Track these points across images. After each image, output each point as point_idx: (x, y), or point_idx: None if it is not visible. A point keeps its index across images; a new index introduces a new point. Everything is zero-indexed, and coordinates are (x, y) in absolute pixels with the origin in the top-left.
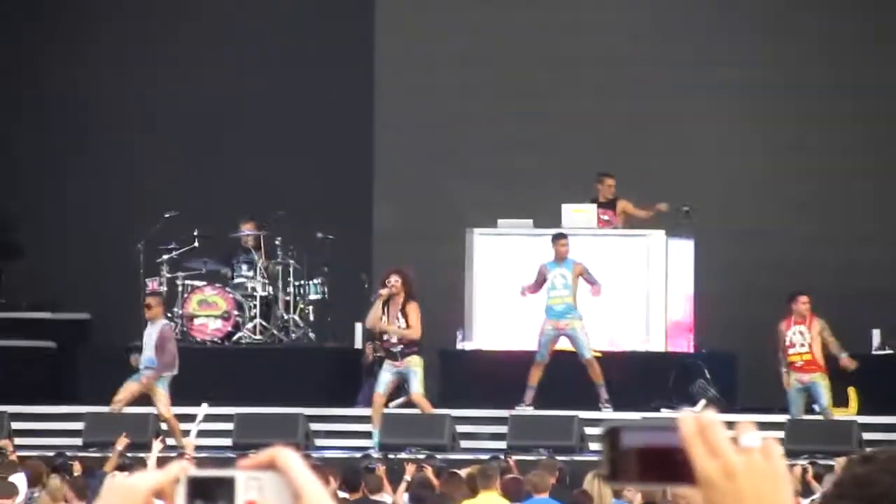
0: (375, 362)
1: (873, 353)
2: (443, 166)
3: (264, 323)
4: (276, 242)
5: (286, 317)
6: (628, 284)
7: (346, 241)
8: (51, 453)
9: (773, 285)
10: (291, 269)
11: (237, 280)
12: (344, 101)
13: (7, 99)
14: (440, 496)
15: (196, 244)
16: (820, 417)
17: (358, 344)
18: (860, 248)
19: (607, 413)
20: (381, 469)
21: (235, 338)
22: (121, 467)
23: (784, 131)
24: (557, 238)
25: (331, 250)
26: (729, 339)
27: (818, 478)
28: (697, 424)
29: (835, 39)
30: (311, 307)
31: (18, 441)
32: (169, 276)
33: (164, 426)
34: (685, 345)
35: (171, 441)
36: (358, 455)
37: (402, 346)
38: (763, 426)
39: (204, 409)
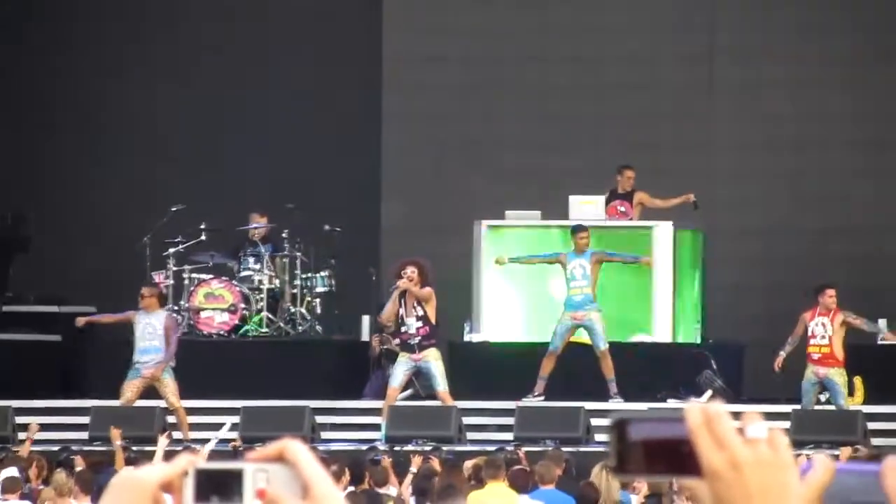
0: (382, 355)
1: (879, 342)
2: (450, 159)
3: (271, 316)
4: (283, 235)
5: (293, 310)
6: (636, 275)
7: (354, 233)
8: (56, 447)
9: (780, 278)
10: (299, 262)
11: (244, 273)
12: (352, 96)
13: (15, 93)
14: (445, 488)
15: (203, 238)
16: (825, 408)
17: (365, 337)
18: (867, 241)
19: (613, 404)
20: (386, 461)
21: (243, 330)
22: (129, 461)
23: (794, 125)
24: (577, 230)
25: (338, 243)
26: (736, 330)
27: None
28: (704, 416)
29: (845, 37)
30: (318, 300)
31: (23, 435)
32: (175, 269)
33: (171, 419)
34: (692, 335)
35: (177, 434)
36: (364, 448)
37: (419, 337)
38: (769, 416)
39: (226, 429)
